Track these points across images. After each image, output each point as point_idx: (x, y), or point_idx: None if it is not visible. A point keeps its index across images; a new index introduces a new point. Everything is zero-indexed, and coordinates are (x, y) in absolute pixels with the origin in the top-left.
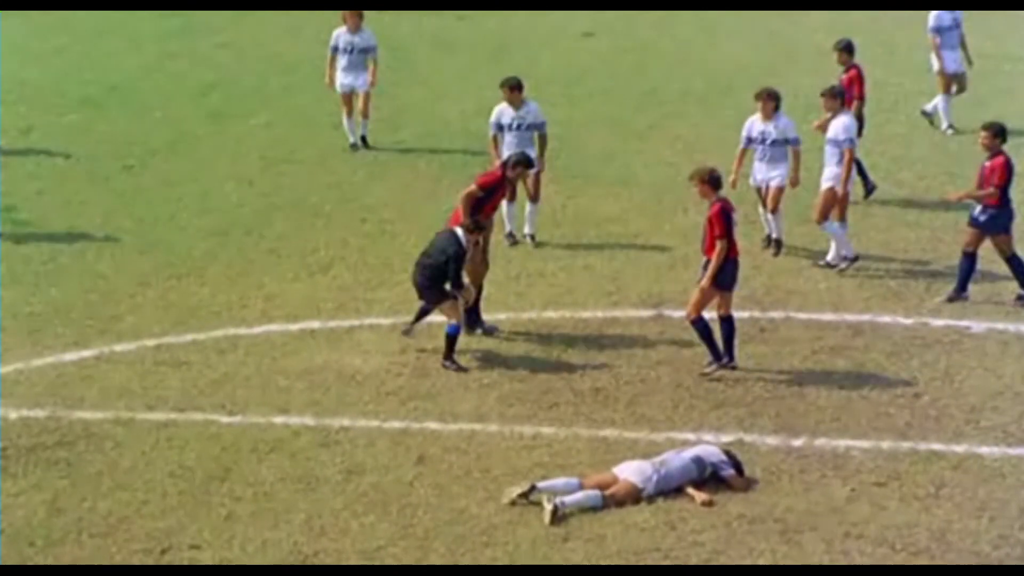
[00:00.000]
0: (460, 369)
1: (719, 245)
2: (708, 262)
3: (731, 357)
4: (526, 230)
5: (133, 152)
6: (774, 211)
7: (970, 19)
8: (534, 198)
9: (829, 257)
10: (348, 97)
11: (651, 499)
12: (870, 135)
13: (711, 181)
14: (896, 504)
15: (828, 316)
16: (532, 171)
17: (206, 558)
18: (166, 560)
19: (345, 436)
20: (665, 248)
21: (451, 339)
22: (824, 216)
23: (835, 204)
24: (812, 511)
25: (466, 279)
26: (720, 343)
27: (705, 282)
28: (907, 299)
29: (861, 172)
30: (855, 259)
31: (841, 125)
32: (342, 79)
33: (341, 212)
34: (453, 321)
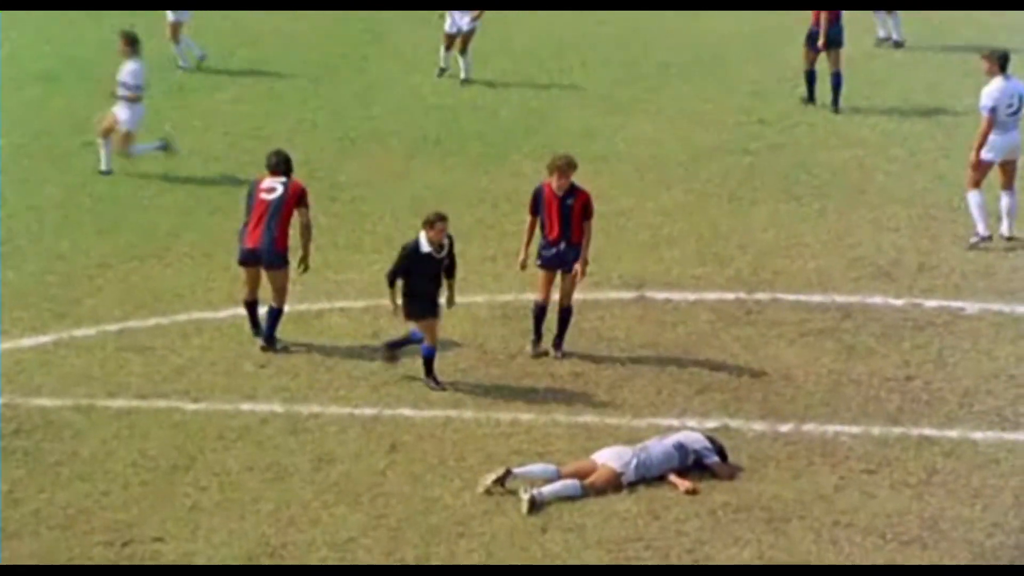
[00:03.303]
0: (439, 387)
1: None
2: None
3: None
4: None
5: (93, 128)
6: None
7: None
8: None
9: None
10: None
11: (632, 486)
12: (859, 109)
13: None
14: (886, 492)
15: (816, 297)
16: None
17: (169, 551)
18: (127, 553)
19: (315, 423)
20: (648, 227)
21: (428, 361)
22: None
23: (972, 171)
24: (800, 499)
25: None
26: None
27: None
28: (898, 279)
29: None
30: (987, 238)
31: (984, 90)
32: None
33: (310, 190)
34: (427, 343)
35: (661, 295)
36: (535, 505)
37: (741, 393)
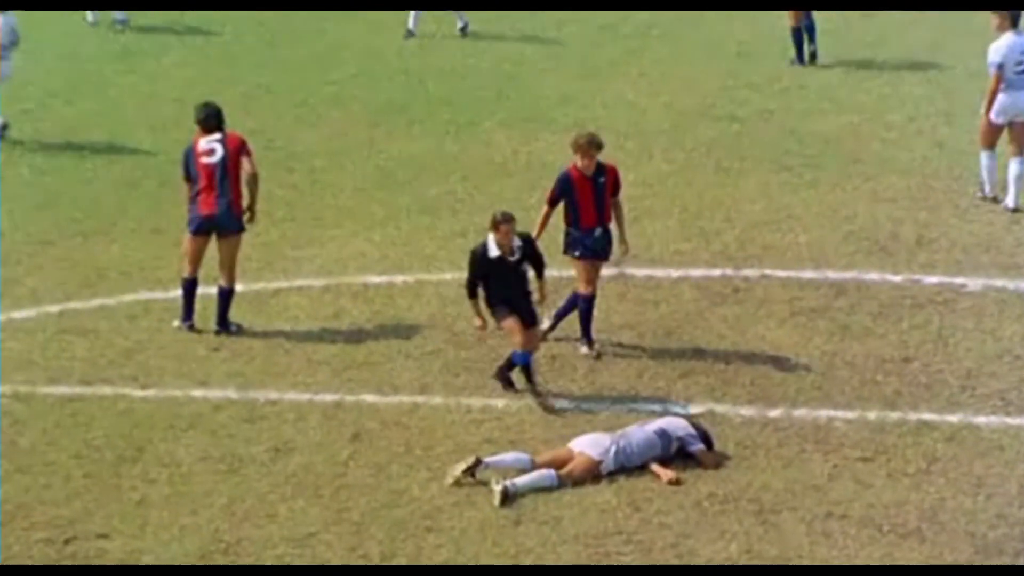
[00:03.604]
0: (541, 396)
1: None
2: None
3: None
4: None
5: (31, 94)
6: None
7: None
8: None
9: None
10: None
11: (611, 476)
12: (855, 72)
13: None
14: (883, 481)
15: (808, 274)
16: None
17: (115, 548)
18: (70, 551)
19: (272, 411)
20: (628, 199)
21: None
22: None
23: (984, 131)
24: (790, 489)
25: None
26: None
27: None
28: (896, 254)
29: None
30: (992, 199)
31: (992, 46)
32: None
33: (266, 161)
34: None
35: (642, 272)
36: (508, 497)
37: (728, 376)
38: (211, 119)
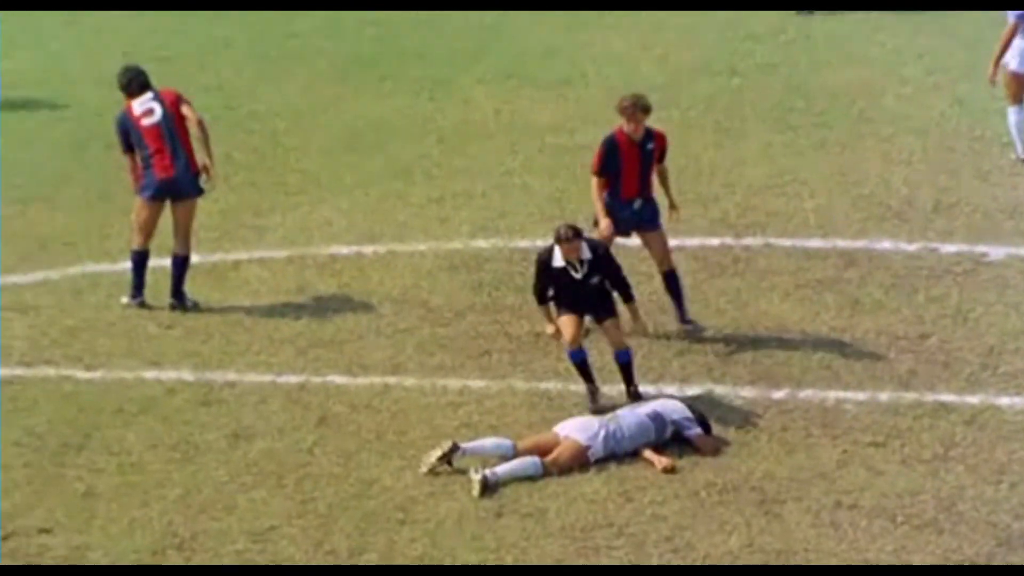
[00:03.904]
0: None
1: None
2: None
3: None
4: None
5: None
6: None
7: None
8: None
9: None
10: None
11: (601, 463)
12: (866, 22)
13: None
14: (897, 468)
15: (815, 243)
16: None
17: (59, 544)
18: (9, 548)
19: (230, 393)
20: None
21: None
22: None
23: (1009, 84)
24: (796, 477)
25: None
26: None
27: None
28: (911, 220)
29: None
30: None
31: None
32: None
33: (224, 122)
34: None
35: (634, 242)
36: (488, 486)
37: (728, 355)
38: (137, 80)
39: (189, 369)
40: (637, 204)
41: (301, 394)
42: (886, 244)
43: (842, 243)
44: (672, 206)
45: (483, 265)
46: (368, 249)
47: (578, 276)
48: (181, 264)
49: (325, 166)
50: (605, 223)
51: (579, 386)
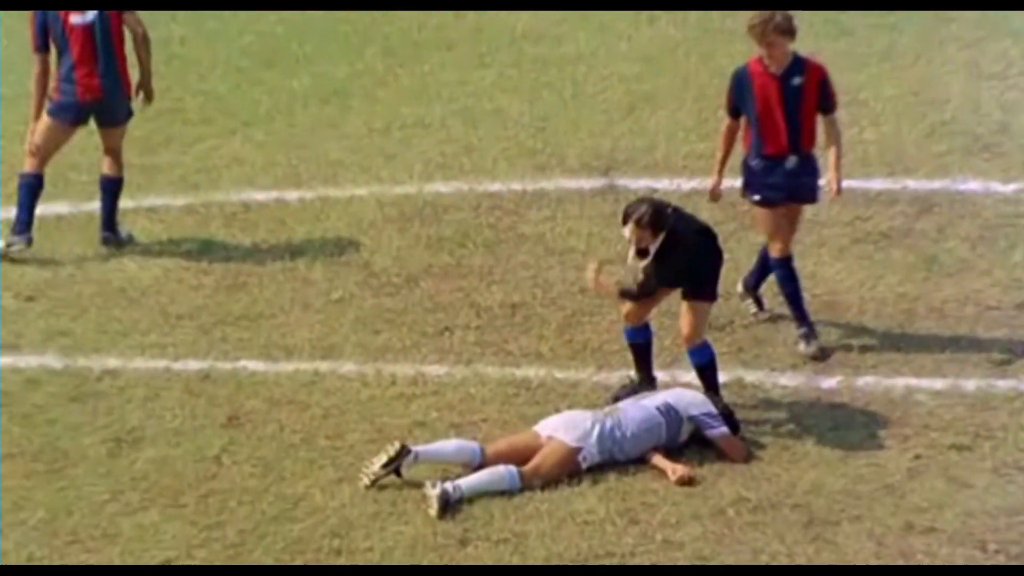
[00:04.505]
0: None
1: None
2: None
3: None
4: None
5: None
6: None
7: None
8: None
9: None
10: None
11: (596, 472)
12: None
13: None
14: (987, 478)
15: (879, 183)
16: None
17: None
18: None
19: (111, 385)
20: (619, 79)
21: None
22: None
23: None
24: (853, 491)
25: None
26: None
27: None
28: (1006, 154)
29: None
30: None
31: None
32: None
33: None
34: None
35: (639, 183)
36: (449, 504)
37: (761, 332)
38: None
39: (56, 354)
40: (791, 163)
41: (204, 385)
42: (972, 185)
43: (914, 184)
44: (834, 175)
45: (442, 215)
46: (292, 195)
47: (643, 263)
48: (114, 187)
49: (235, 87)
50: (716, 177)
51: (568, 373)
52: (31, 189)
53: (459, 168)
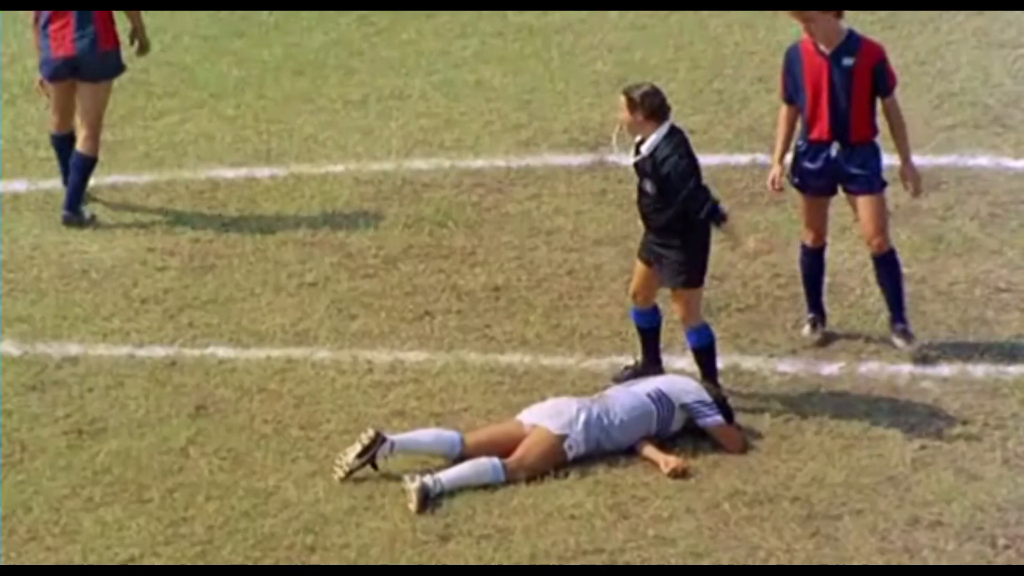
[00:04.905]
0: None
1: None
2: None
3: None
4: None
5: None
6: None
7: None
8: None
9: None
10: None
11: (583, 462)
12: None
13: None
14: (998, 470)
15: (883, 159)
16: None
17: None
18: None
19: (72, 374)
20: (607, 47)
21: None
22: None
23: None
24: (854, 483)
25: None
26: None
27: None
28: (1017, 128)
29: None
30: None
31: None
32: None
33: None
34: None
35: (629, 161)
36: (428, 497)
37: (759, 315)
38: None
39: (14, 340)
40: (834, 151)
41: (171, 373)
42: (982, 160)
43: (920, 160)
44: (905, 172)
45: (422, 193)
46: (262, 172)
47: (636, 160)
48: (82, 166)
49: (201, 57)
50: (776, 171)
51: (555, 359)
52: (62, 147)
53: (440, 144)
